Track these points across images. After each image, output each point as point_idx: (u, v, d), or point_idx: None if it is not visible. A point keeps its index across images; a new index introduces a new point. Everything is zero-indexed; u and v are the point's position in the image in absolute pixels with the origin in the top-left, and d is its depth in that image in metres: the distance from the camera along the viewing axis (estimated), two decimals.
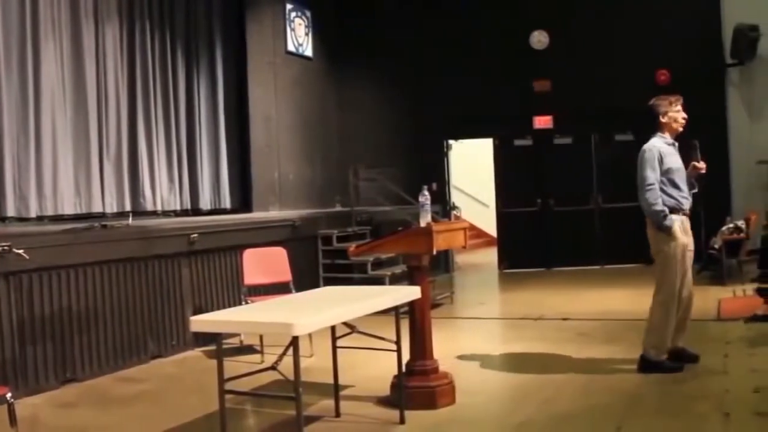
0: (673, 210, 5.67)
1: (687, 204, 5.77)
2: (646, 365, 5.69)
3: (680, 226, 5.69)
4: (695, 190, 5.96)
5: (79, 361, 6.28)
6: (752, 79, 11.87)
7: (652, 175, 5.65)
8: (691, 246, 5.82)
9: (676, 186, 5.72)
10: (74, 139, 7.60)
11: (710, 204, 10.69)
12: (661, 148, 5.74)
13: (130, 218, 7.63)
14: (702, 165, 5.83)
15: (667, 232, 5.60)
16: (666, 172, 5.69)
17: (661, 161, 5.68)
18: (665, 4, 12.09)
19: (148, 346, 6.99)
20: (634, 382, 5.47)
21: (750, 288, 8.62)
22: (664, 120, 5.81)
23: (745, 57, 11.62)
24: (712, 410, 4.68)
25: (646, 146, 5.80)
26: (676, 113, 5.80)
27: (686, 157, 5.91)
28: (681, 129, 5.85)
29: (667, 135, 5.84)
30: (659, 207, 5.59)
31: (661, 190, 5.67)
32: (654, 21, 12.04)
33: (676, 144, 5.89)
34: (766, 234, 9.51)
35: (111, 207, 7.98)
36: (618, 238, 12.11)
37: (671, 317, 5.66)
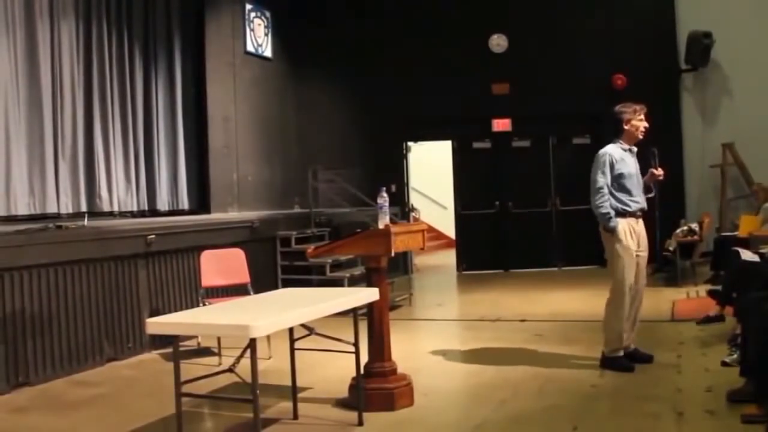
0: (620, 213, 5.89)
1: (636, 207, 5.97)
2: (602, 360, 5.93)
3: (628, 228, 5.89)
4: (652, 194, 6.21)
5: (32, 364, 6.16)
6: (705, 84, 12.10)
7: (602, 180, 5.90)
8: (643, 247, 6.00)
9: (626, 190, 5.93)
10: (28, 138, 7.46)
11: (665, 207, 10.88)
12: (613, 154, 5.96)
13: (86, 219, 7.52)
14: (660, 172, 6.08)
15: (611, 232, 5.85)
16: (617, 177, 5.92)
17: (612, 166, 5.92)
18: (622, 10, 12.29)
19: (104, 348, 6.90)
20: (589, 382, 5.54)
21: (703, 289, 8.78)
22: (626, 127, 6.02)
23: (698, 63, 11.85)
24: (665, 409, 4.75)
25: (600, 152, 6.06)
26: (639, 122, 6.03)
27: (645, 163, 6.14)
28: (641, 137, 6.07)
29: (624, 142, 6.05)
30: (605, 209, 5.86)
31: (612, 193, 5.91)
32: (611, 26, 12.21)
33: (634, 149, 6.10)
34: (719, 236, 9.70)
35: (66, 207, 7.85)
36: (575, 240, 12.26)
37: (622, 315, 5.85)
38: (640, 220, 6.02)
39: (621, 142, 6.04)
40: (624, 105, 6.10)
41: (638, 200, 5.97)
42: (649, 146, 6.16)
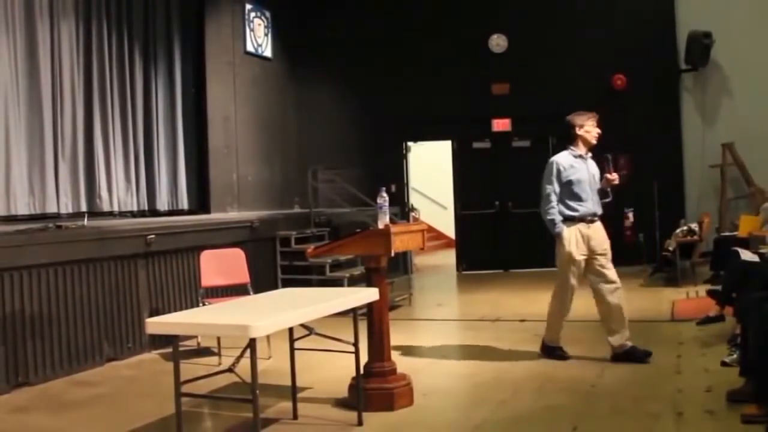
0: (569, 219, 6.11)
1: (585, 212, 6.13)
2: (542, 347, 6.41)
3: (575, 234, 6.10)
4: (608, 199, 6.36)
5: (32, 364, 6.16)
6: (705, 84, 12.10)
7: (549, 188, 6.16)
8: (600, 250, 6.17)
9: (575, 196, 6.15)
10: (28, 138, 7.46)
11: (665, 207, 10.89)
12: (562, 162, 6.20)
13: (86, 219, 7.52)
14: (614, 176, 6.21)
15: (557, 237, 6.15)
16: (566, 184, 6.14)
17: (559, 173, 6.14)
18: (622, 10, 12.29)
19: (104, 348, 6.90)
20: (589, 382, 5.54)
21: (703, 289, 8.77)
22: (579, 132, 6.25)
23: (698, 63, 11.85)
24: (665, 410, 4.75)
25: (549, 160, 6.31)
26: (591, 128, 6.25)
27: (601, 169, 6.35)
28: (594, 142, 6.28)
29: (578, 148, 6.27)
30: (550, 216, 6.14)
31: (561, 200, 6.14)
32: (611, 26, 12.22)
33: (588, 155, 6.30)
34: (719, 236, 9.69)
35: (66, 207, 7.85)
36: None
37: (562, 312, 6.27)
38: (594, 225, 6.17)
39: (572, 148, 6.25)
40: (576, 113, 6.31)
41: (587, 206, 6.14)
42: (602, 152, 6.36)
